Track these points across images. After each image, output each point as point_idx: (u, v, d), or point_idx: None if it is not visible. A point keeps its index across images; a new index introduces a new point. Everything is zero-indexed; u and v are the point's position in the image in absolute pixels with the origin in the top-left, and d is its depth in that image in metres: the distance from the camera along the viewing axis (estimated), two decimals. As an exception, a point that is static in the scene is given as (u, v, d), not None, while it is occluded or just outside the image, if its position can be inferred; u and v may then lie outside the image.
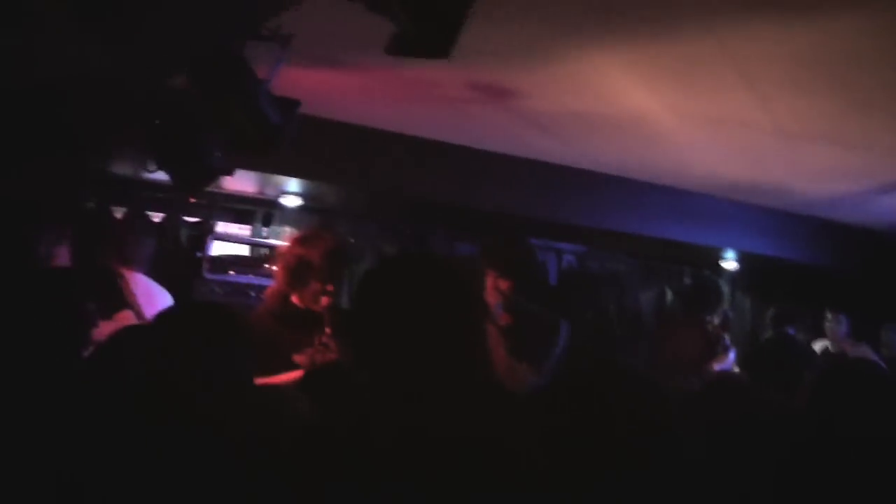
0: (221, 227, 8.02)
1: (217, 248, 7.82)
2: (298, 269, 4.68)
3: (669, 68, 5.02)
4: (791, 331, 7.70)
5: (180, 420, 2.18)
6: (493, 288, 5.07)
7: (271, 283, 5.03)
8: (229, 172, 4.62)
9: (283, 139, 4.24)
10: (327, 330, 4.56)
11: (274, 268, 4.97)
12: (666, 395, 1.85)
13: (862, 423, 2.53)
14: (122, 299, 5.13)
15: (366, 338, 2.12)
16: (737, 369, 7.09)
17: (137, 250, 5.66)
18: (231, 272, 7.65)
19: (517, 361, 4.91)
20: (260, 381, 4.30)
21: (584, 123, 6.30)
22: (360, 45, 4.78)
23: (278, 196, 7.75)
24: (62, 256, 4.96)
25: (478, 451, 1.83)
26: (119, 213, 7.42)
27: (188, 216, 7.83)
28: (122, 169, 6.82)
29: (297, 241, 4.86)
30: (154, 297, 5.56)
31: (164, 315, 2.71)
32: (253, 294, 7.65)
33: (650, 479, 1.74)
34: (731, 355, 7.02)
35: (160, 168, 4.42)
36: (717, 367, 6.82)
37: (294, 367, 4.47)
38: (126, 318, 5.05)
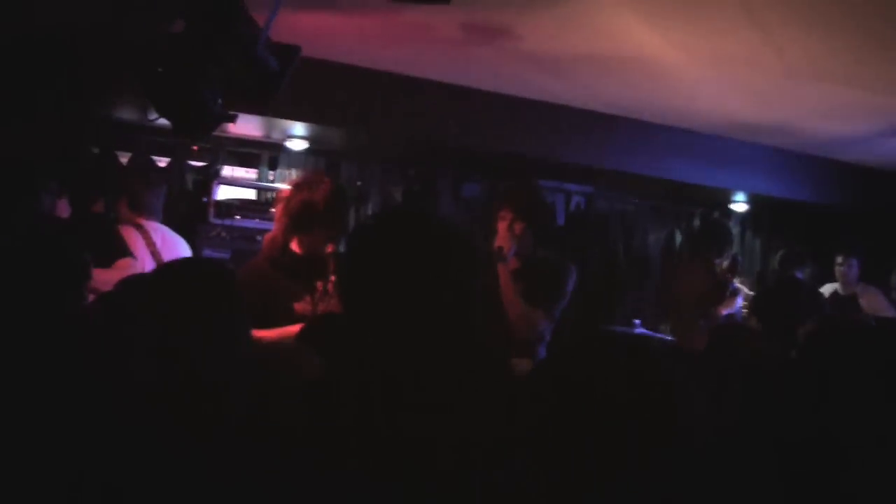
0: (227, 171, 7.98)
1: (223, 193, 7.79)
2: (302, 215, 4.57)
3: (674, 6, 4.95)
4: (799, 274, 7.65)
5: (177, 382, 2.16)
6: (507, 231, 5.04)
7: (271, 230, 4.93)
8: (232, 119, 4.58)
9: (281, 87, 4.20)
10: (332, 277, 4.48)
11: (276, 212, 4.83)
12: (659, 365, 1.80)
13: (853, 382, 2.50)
14: (122, 247, 5.11)
15: (355, 295, 2.10)
16: (745, 312, 7.07)
17: (151, 200, 5.65)
18: (237, 217, 7.63)
19: (530, 306, 4.91)
20: (259, 332, 4.30)
21: (589, 63, 6.24)
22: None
23: (284, 140, 7.71)
24: (62, 207, 4.94)
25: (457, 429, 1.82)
26: (124, 158, 7.40)
27: (193, 161, 7.79)
28: (125, 115, 6.80)
29: (298, 186, 4.72)
30: (174, 247, 5.58)
31: (161, 272, 2.68)
32: (259, 238, 7.62)
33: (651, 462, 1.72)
34: (739, 299, 6.98)
35: (161, 115, 4.38)
36: (724, 311, 6.78)
37: (293, 315, 4.41)
38: (126, 265, 5.05)
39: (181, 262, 3.08)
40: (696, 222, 10.08)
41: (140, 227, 5.43)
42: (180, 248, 5.64)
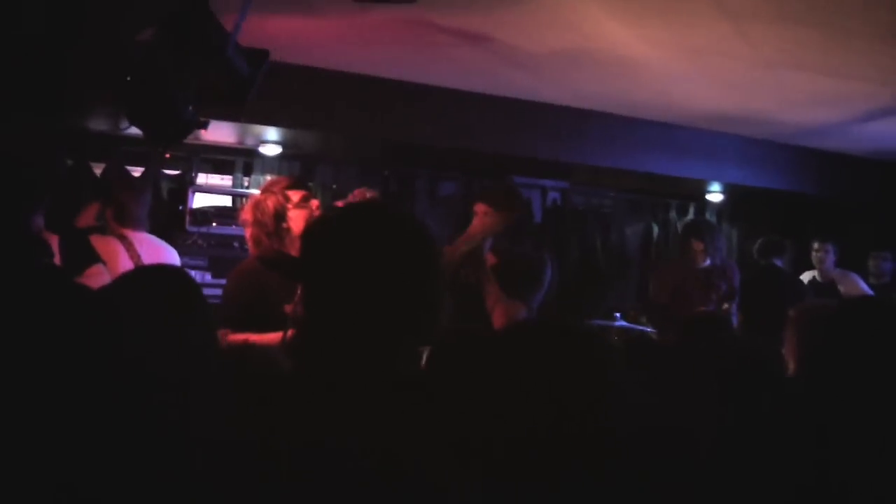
0: (202, 178, 7.96)
1: (198, 200, 7.76)
2: (277, 217, 4.55)
3: (646, 0, 4.96)
4: (778, 262, 7.67)
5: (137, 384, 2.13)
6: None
7: (248, 235, 4.84)
8: (204, 126, 4.55)
9: (252, 91, 4.19)
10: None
11: (245, 219, 4.77)
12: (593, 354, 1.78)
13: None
14: (92, 255, 5.07)
15: (315, 288, 2.08)
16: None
17: (136, 209, 5.58)
18: (213, 224, 7.60)
19: (509, 298, 4.92)
20: (244, 336, 4.28)
21: (562, 59, 6.23)
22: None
23: (258, 145, 7.69)
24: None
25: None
26: (97, 169, 7.37)
27: (168, 169, 7.76)
28: (97, 125, 6.76)
29: (271, 188, 4.70)
30: (160, 256, 5.50)
31: (121, 280, 2.64)
32: (236, 245, 7.60)
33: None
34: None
35: (132, 124, 4.35)
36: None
37: (283, 317, 4.36)
38: (96, 273, 5.01)
39: (140, 270, 3.05)
40: (673, 214, 10.14)
41: (124, 239, 5.36)
42: (166, 258, 5.56)
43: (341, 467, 1.75)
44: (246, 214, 4.70)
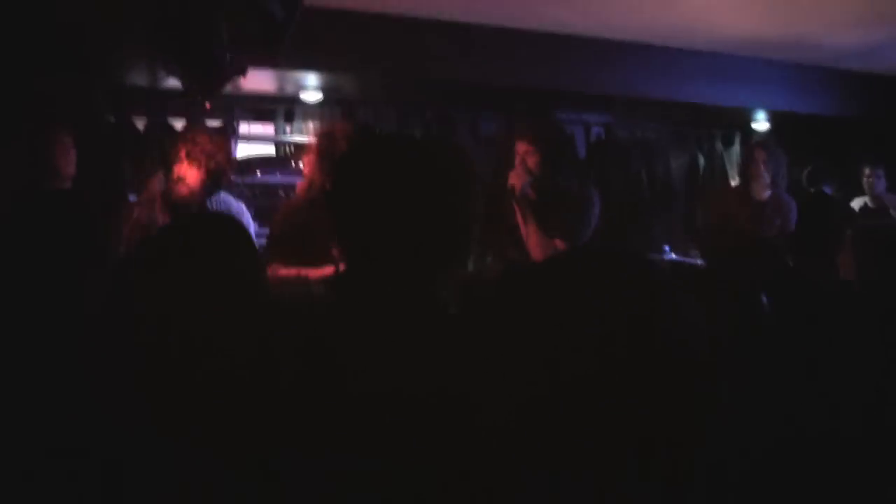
0: (244, 128, 7.96)
1: (242, 150, 7.78)
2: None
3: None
4: (827, 189, 7.58)
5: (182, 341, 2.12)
6: (521, 164, 5.03)
7: (293, 183, 4.88)
8: (242, 72, 4.56)
9: (288, 35, 4.19)
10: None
11: (308, 158, 4.76)
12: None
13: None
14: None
15: (346, 221, 2.06)
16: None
17: None
18: (258, 173, 7.62)
19: (548, 237, 4.90)
20: (296, 270, 4.34)
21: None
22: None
23: (298, 92, 7.67)
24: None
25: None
26: (140, 123, 7.39)
27: (209, 120, 7.76)
28: (137, 80, 6.77)
29: (336, 132, 4.70)
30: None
31: (164, 230, 2.63)
32: (282, 193, 7.63)
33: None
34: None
35: (171, 74, 4.37)
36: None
37: (330, 257, 4.39)
38: None
39: (187, 218, 3.03)
40: (719, 145, 10.03)
41: None
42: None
43: (389, 400, 1.75)
44: (312, 144, 4.72)
